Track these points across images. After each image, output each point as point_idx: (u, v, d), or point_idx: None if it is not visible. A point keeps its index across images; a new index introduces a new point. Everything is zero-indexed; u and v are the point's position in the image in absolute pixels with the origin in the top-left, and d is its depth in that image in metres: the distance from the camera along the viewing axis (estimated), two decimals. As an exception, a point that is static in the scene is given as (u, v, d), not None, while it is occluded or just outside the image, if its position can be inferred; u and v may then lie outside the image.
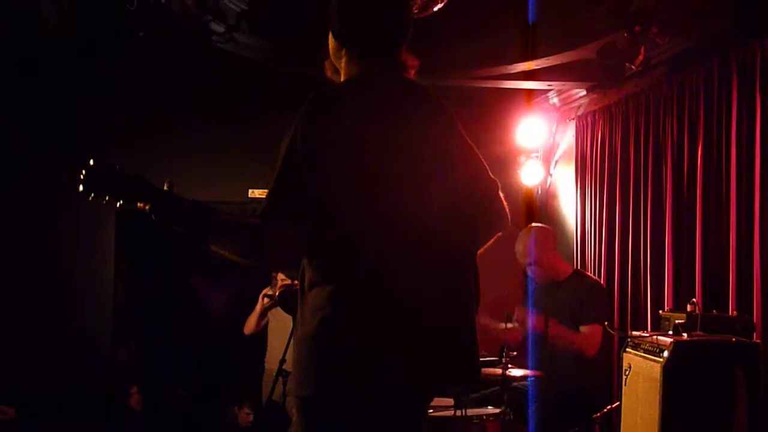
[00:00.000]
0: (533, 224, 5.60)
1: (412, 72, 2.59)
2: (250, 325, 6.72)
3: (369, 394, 2.29)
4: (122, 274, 7.44)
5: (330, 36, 2.61)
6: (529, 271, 5.26)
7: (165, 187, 2.32)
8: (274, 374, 5.53)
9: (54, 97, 6.32)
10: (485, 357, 5.19)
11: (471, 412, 4.64)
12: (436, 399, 4.59)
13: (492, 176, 2.57)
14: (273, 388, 5.68)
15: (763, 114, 4.37)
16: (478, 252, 2.55)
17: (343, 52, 2.57)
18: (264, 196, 2.35)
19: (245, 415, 6.74)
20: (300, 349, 2.34)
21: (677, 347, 3.80)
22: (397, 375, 2.29)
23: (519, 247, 5.26)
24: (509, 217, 2.60)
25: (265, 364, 6.78)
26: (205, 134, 6.75)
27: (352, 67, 2.55)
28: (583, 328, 5.00)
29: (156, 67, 5.75)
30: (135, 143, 6.61)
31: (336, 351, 2.26)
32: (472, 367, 2.45)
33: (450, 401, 4.65)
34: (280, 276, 6.43)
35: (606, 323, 4.84)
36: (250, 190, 6.90)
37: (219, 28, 5.07)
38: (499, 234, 2.62)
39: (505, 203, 2.59)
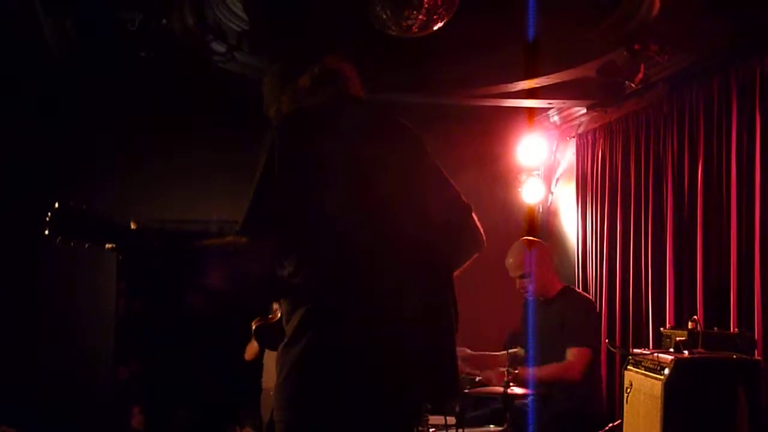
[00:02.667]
0: (526, 238, 5.43)
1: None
2: (252, 351, 6.86)
3: (355, 416, 2.28)
4: (124, 292, 7.44)
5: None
6: (520, 285, 5.15)
7: (132, 226, 2.28)
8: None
9: (55, 116, 6.34)
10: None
11: (472, 430, 4.63)
12: (436, 418, 4.58)
13: (465, 199, 2.57)
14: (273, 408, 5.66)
15: (763, 131, 4.38)
16: (456, 273, 2.54)
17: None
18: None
19: (247, 435, 6.72)
20: (284, 373, 2.32)
21: (678, 365, 3.79)
22: (381, 399, 2.29)
23: (510, 260, 5.11)
24: (484, 238, 2.59)
25: (262, 384, 6.85)
26: (206, 153, 6.75)
27: (306, 99, 2.55)
28: (568, 353, 4.86)
29: (158, 86, 5.78)
30: (136, 162, 6.64)
31: (321, 374, 2.26)
32: (456, 383, 2.48)
33: (452, 419, 4.63)
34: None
35: (606, 341, 4.82)
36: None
37: (220, 47, 5.09)
38: (476, 255, 2.61)
39: (479, 225, 2.58)
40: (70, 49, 5.06)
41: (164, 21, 4.59)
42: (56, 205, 2.24)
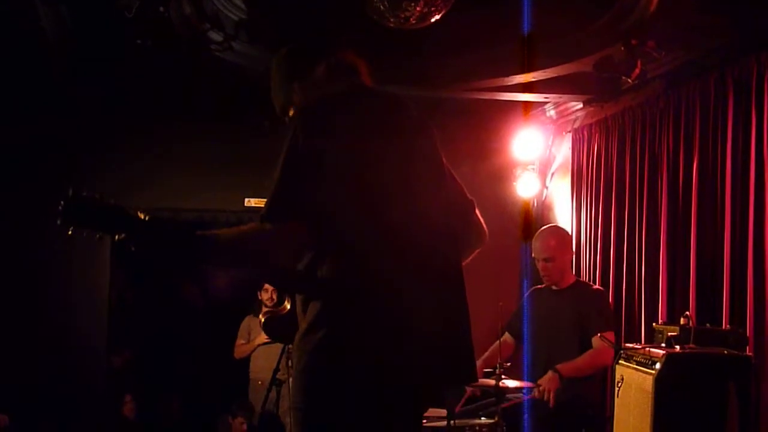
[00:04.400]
0: (555, 225, 5.83)
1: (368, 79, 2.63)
2: (241, 350, 6.95)
3: (369, 406, 2.30)
4: (118, 281, 7.44)
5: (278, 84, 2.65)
6: (542, 268, 5.27)
7: (141, 216, 2.24)
8: (268, 383, 5.55)
9: (51, 104, 6.32)
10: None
11: (464, 422, 4.64)
12: (429, 410, 4.59)
13: (469, 195, 2.63)
14: (266, 398, 5.70)
15: (758, 129, 4.39)
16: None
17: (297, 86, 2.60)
18: (259, 205, 2.34)
19: (239, 425, 6.73)
20: (304, 360, 2.33)
21: (670, 359, 3.80)
22: (399, 386, 2.32)
23: (537, 243, 5.32)
24: (487, 233, 2.65)
25: (249, 374, 6.93)
26: (202, 143, 6.76)
27: (322, 89, 2.55)
28: (594, 341, 4.96)
29: (153, 75, 5.76)
30: (132, 152, 6.63)
31: (341, 361, 2.28)
32: (471, 373, 2.51)
33: (443, 412, 4.64)
34: (265, 296, 6.60)
35: (598, 335, 4.83)
36: (246, 199, 6.91)
37: (217, 36, 5.08)
38: (478, 250, 2.66)
39: (482, 220, 2.64)
40: (67, 37, 5.04)
41: (161, 8, 4.58)
42: (70, 193, 2.22)
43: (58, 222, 2.20)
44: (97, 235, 2.25)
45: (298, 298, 2.43)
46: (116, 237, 2.24)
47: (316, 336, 2.29)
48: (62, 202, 2.20)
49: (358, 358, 2.27)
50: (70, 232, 2.22)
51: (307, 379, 2.32)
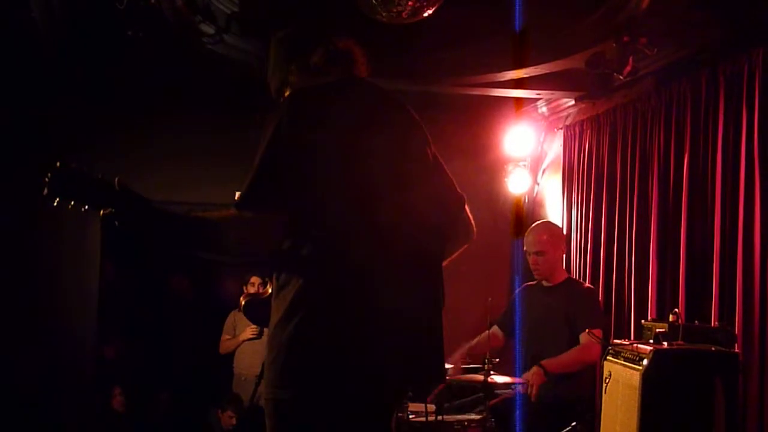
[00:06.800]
0: (548, 220, 5.91)
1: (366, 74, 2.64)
2: (226, 346, 6.98)
3: (342, 396, 2.30)
4: (107, 274, 7.42)
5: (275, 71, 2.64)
6: (533, 261, 5.29)
7: (129, 191, 2.24)
8: (255, 377, 5.56)
9: (42, 96, 6.29)
10: (468, 364, 5.20)
11: (452, 418, 4.64)
12: (417, 405, 4.59)
13: (459, 190, 2.62)
14: (255, 391, 5.69)
15: (749, 126, 4.40)
16: (444, 262, 2.59)
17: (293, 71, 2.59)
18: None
19: (228, 418, 6.73)
20: (275, 351, 2.34)
21: (657, 355, 3.80)
22: (369, 379, 2.32)
23: (530, 237, 5.35)
24: (475, 230, 2.65)
25: (234, 369, 6.96)
26: (193, 136, 6.73)
27: (317, 76, 2.55)
28: (582, 337, 4.99)
29: (144, 67, 5.74)
30: (122, 144, 6.59)
31: (312, 353, 2.28)
32: (441, 368, 2.54)
33: (431, 407, 4.64)
34: (252, 290, 6.61)
35: (586, 331, 4.84)
36: (236, 193, 6.86)
37: (209, 29, 5.06)
38: (466, 246, 2.67)
39: (471, 217, 2.64)
40: (58, 28, 5.02)
41: (153, 0, 4.56)
42: (57, 165, 2.21)
43: (45, 193, 2.20)
44: (83, 208, 2.25)
45: (273, 289, 2.42)
46: (101, 212, 2.24)
47: (289, 327, 2.29)
48: (50, 173, 2.20)
49: (330, 349, 2.28)
50: (56, 204, 2.22)
51: (278, 370, 2.32)
